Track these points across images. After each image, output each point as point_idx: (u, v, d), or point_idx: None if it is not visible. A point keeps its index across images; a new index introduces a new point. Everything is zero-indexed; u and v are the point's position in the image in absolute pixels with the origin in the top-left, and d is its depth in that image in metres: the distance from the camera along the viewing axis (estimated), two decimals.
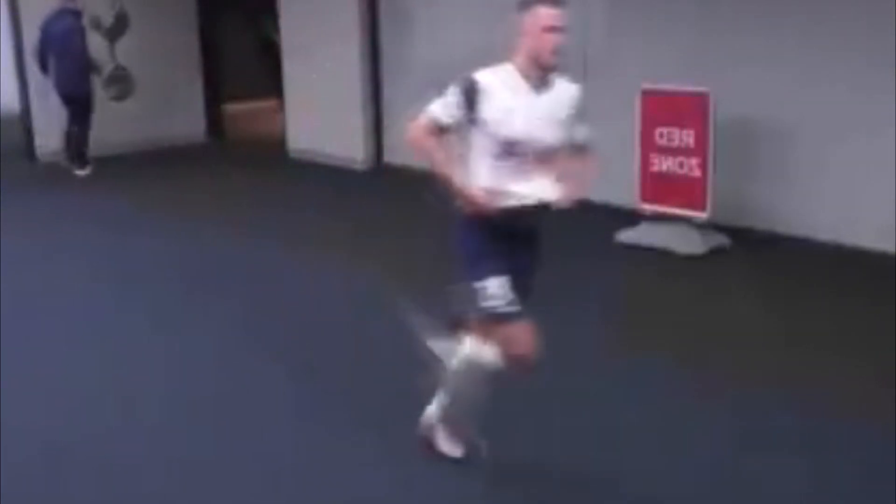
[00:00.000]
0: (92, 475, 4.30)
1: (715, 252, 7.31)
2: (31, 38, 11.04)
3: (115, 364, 5.57)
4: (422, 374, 4.20)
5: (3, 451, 4.39)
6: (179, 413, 4.91)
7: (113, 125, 11.47)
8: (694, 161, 7.30)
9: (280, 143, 12.06)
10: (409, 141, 3.95)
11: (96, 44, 11.32)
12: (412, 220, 8.74)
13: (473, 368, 4.03)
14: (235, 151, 12.60)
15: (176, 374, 5.42)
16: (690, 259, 7.23)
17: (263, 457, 4.42)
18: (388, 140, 11.08)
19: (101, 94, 11.33)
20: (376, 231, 8.47)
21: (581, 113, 4.10)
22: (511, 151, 3.87)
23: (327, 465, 4.33)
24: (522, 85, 3.92)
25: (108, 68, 11.53)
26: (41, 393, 5.14)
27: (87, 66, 10.91)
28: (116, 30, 11.86)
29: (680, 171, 7.40)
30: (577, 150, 4.15)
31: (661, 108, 7.48)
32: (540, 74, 3.91)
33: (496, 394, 5.01)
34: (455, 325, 4.13)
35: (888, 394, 4.86)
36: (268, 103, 14.33)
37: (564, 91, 4.02)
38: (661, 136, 7.47)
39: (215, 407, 4.98)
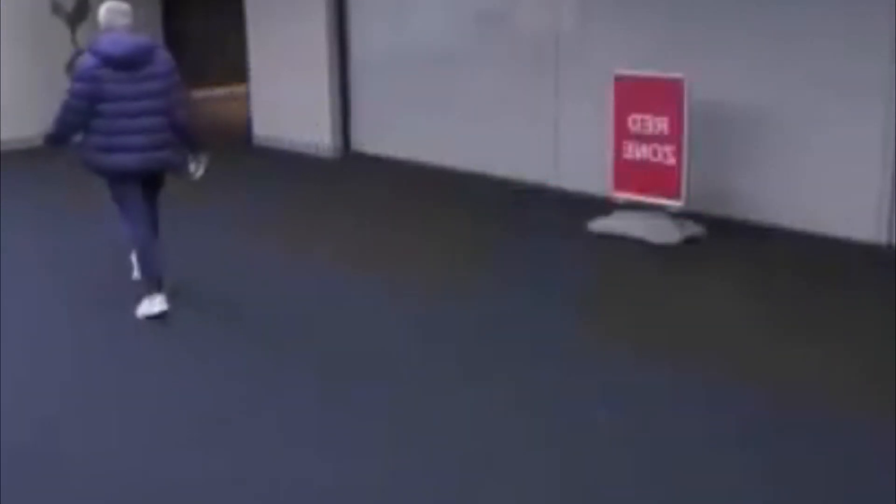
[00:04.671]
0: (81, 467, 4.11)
1: (689, 242, 7.18)
2: None
3: (78, 356, 5.40)
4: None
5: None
6: (119, 403, 4.72)
7: None
8: (668, 148, 7.17)
9: (245, 129, 11.85)
10: None
11: (57, 29, 11.07)
12: (377, 206, 8.60)
13: None
14: (199, 137, 12.32)
15: (140, 364, 5.24)
16: (664, 249, 7.09)
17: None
18: (356, 128, 10.90)
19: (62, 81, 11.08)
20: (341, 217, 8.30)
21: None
22: None
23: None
24: None
25: (69, 54, 11.27)
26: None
27: None
28: (78, 14, 11.59)
29: (654, 159, 7.26)
30: None
31: (635, 95, 7.33)
32: None
33: (459, 383, 4.88)
34: None
35: (866, 384, 4.76)
36: (232, 89, 14.09)
37: None
38: (635, 122, 7.33)
39: (184, 400, 4.80)
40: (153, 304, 5.90)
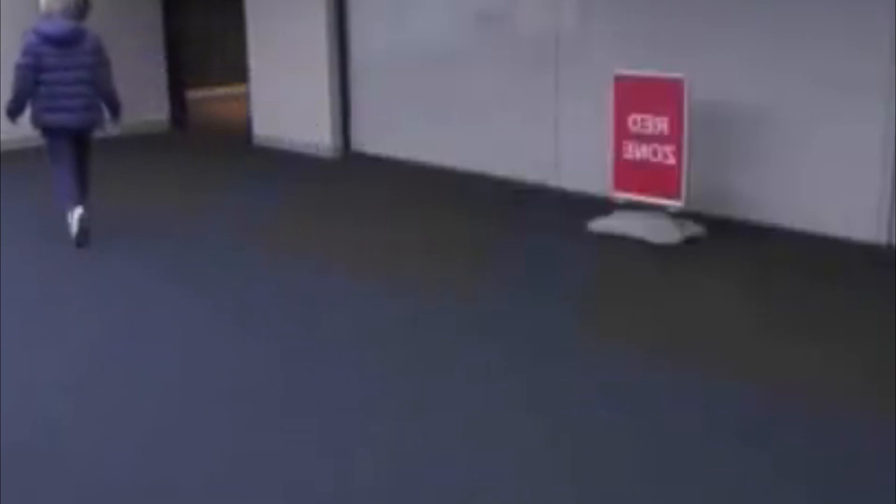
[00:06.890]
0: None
1: (689, 242, 7.17)
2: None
3: (81, 350, 5.40)
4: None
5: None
6: (135, 395, 4.72)
7: None
8: (668, 148, 7.16)
9: (245, 129, 11.85)
10: None
11: None
12: (377, 206, 8.60)
13: None
14: (200, 137, 12.37)
15: (143, 358, 5.23)
16: (664, 248, 7.09)
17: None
18: (356, 128, 10.90)
19: None
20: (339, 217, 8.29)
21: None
22: None
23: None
24: None
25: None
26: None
27: None
28: (77, 14, 11.56)
29: (654, 159, 7.25)
30: None
31: (635, 95, 7.33)
32: None
33: (458, 382, 4.88)
34: None
35: (865, 384, 4.76)
36: (233, 89, 14.09)
37: None
38: (635, 122, 7.32)
39: (185, 392, 4.80)
40: (73, 225, 7.37)
